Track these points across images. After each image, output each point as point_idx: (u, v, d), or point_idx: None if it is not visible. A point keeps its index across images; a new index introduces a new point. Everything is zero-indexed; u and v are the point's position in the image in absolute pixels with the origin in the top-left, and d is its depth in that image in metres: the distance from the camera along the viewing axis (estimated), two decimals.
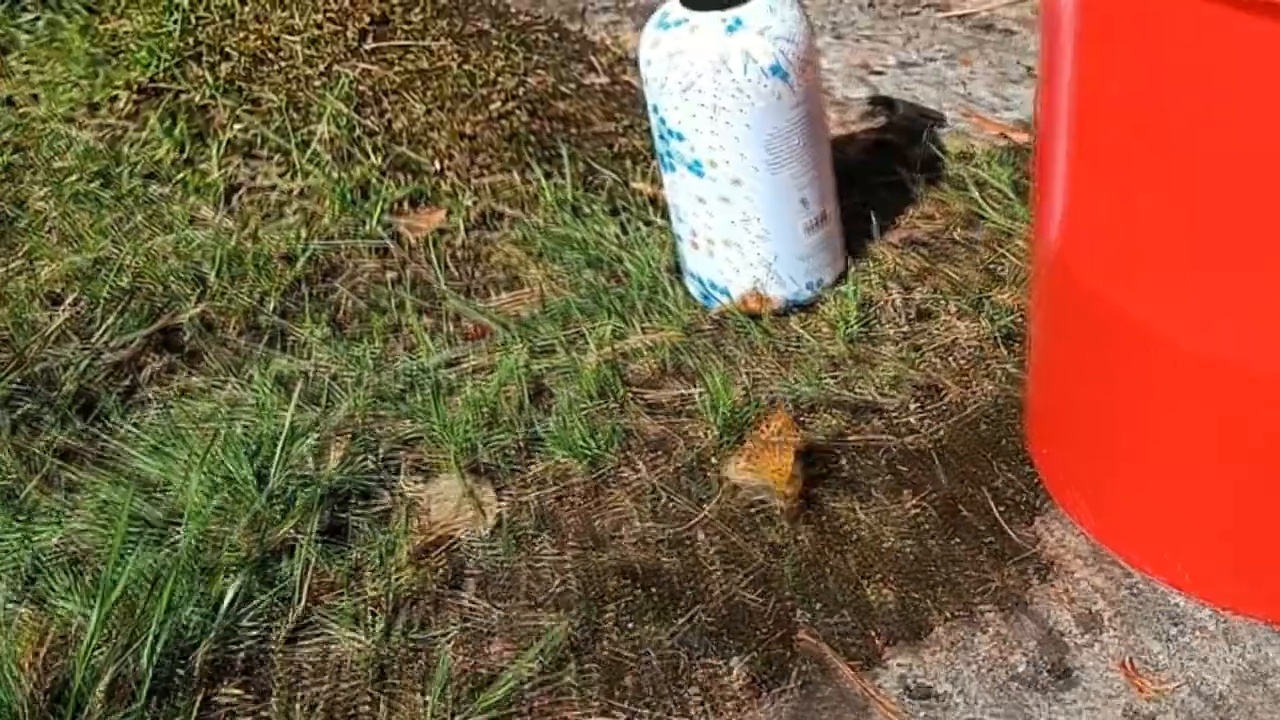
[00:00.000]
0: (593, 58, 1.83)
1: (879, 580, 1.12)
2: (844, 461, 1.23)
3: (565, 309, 1.42)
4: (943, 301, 1.39)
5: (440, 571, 1.17)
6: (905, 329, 1.36)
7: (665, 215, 1.47)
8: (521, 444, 1.28)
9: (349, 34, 1.90)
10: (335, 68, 1.83)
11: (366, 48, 1.88)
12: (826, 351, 1.34)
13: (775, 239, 1.36)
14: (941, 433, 1.24)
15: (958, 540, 1.15)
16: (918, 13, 1.86)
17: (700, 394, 1.30)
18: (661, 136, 1.35)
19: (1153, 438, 1.05)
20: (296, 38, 1.89)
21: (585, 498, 1.23)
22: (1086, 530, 1.14)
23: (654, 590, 1.13)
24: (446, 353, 1.40)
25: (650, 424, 1.29)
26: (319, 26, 1.92)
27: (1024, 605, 1.09)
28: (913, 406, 1.27)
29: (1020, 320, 1.34)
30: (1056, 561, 1.12)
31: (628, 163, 1.63)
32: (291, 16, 1.93)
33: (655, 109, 1.33)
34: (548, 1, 1.98)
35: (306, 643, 1.12)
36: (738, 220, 1.35)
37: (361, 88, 1.80)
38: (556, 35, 1.89)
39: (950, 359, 1.32)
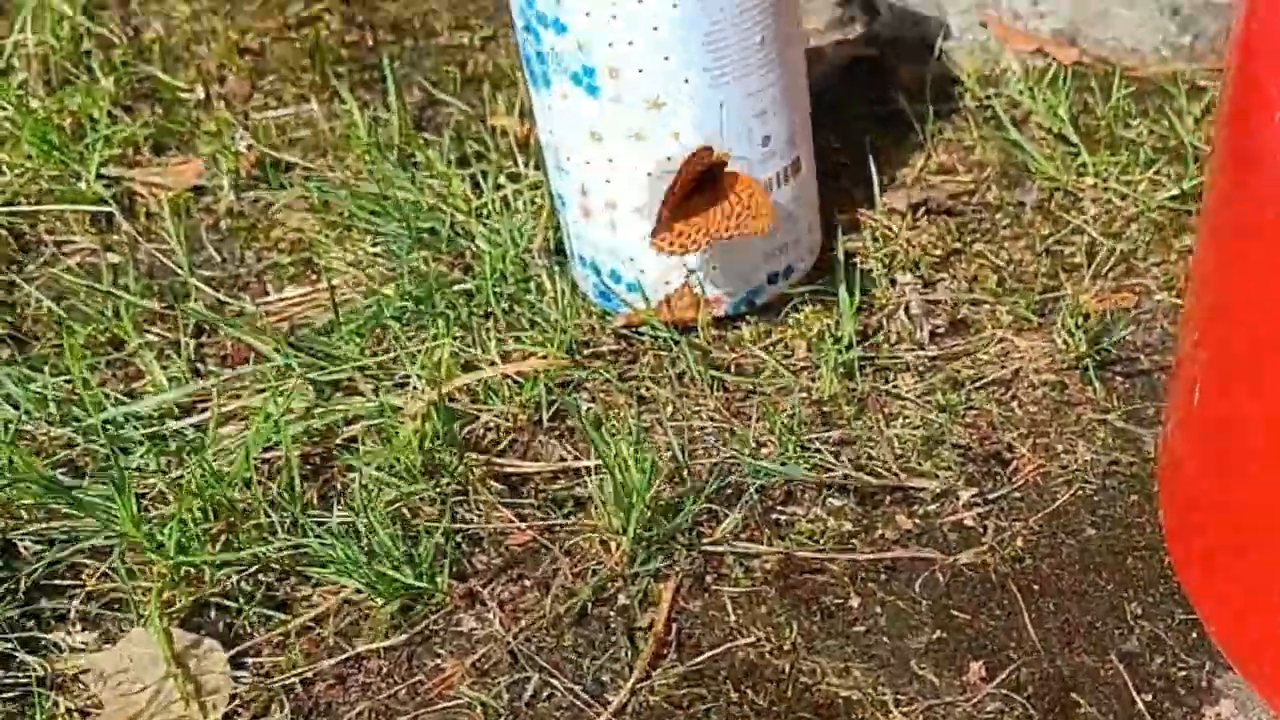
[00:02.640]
0: None
1: None
2: (854, 599, 0.68)
3: (376, 317, 0.85)
4: (987, 304, 0.84)
5: None
6: (933, 351, 0.81)
7: (540, 164, 0.91)
8: (284, 565, 0.71)
9: None
10: None
11: None
12: (807, 390, 0.79)
13: None
14: (1020, 541, 0.70)
15: None
16: None
17: (597, 469, 0.74)
18: (528, 28, 0.78)
19: None
20: None
21: (391, 675, 0.66)
22: None
23: None
24: (180, 390, 0.82)
25: (512, 527, 0.72)
26: None
27: None
28: (964, 493, 0.72)
29: (1125, 342, 0.80)
30: None
31: (486, 89, 1.06)
32: None
33: None
34: None
35: None
36: (659, 169, 0.79)
37: None
38: None
39: (1014, 403, 0.78)
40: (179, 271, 0.93)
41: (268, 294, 0.92)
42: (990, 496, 0.72)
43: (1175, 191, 0.91)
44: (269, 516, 0.72)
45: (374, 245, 0.93)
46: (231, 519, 0.72)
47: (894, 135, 0.99)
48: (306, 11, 1.15)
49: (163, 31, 1.14)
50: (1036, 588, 0.67)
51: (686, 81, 0.76)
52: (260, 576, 0.71)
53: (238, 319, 0.88)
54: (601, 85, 0.76)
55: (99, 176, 1.00)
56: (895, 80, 1.04)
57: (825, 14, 1.12)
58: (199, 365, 0.86)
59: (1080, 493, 0.72)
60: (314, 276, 0.92)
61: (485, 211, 0.92)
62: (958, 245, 0.88)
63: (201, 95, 1.07)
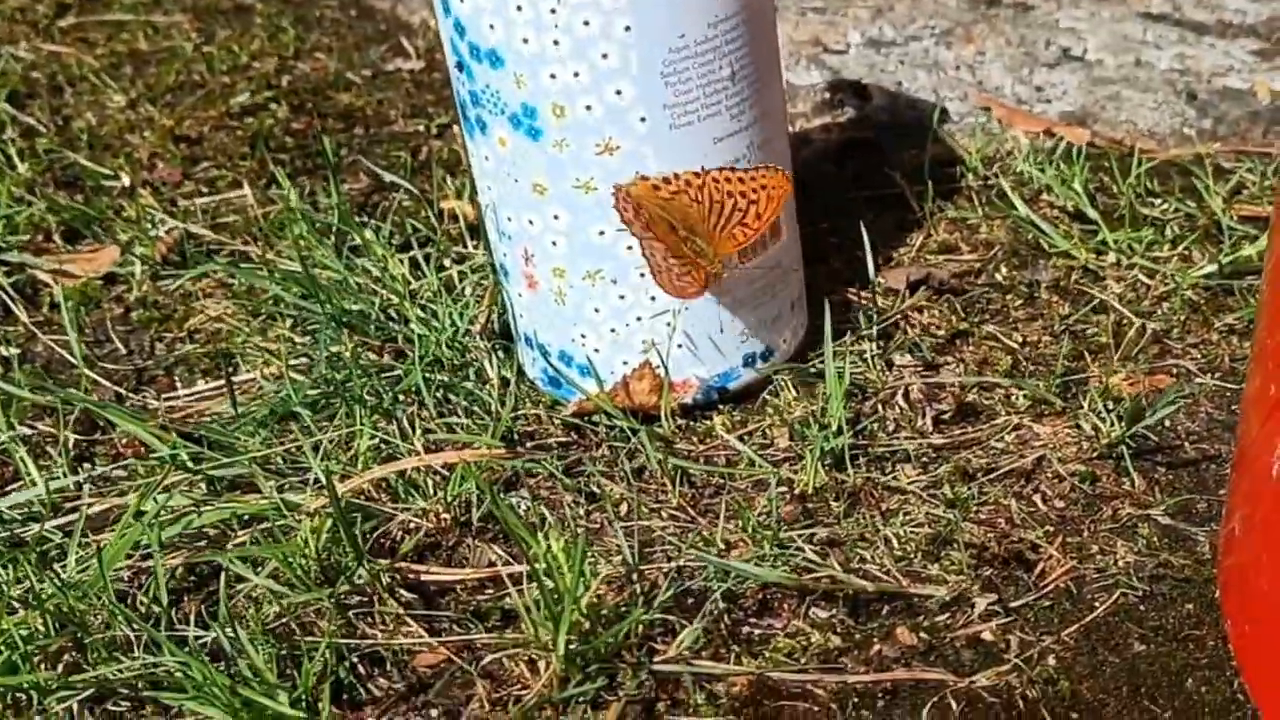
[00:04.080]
0: (404, 40, 1.15)
1: None
2: None
3: (283, 405, 0.71)
4: (1001, 388, 0.71)
5: None
6: (937, 439, 0.67)
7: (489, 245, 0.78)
8: (137, 692, 0.56)
9: (41, 9, 1.21)
10: (4, 49, 1.14)
11: (63, 25, 1.19)
12: (788, 483, 0.65)
13: None
14: (1051, 660, 0.55)
15: None
16: None
17: (525, 575, 0.59)
18: (460, 65, 0.66)
19: None
20: None
21: None
22: None
23: None
24: (37, 488, 0.68)
25: (422, 644, 0.58)
26: None
27: None
28: (980, 601, 0.58)
29: (1165, 428, 0.67)
30: None
31: (439, 174, 0.94)
32: None
33: (444, 6, 0.65)
34: None
35: None
36: (612, 228, 0.66)
37: (37, 74, 1.10)
38: (354, 13, 1.21)
39: (1036, 497, 0.64)
40: (77, 365, 0.80)
41: (175, 389, 0.79)
42: (1012, 605, 0.57)
43: (1210, 269, 0.78)
44: (126, 632, 0.57)
45: (300, 334, 0.80)
46: (79, 635, 0.57)
47: (891, 215, 0.86)
48: (252, 102, 1.05)
49: (94, 121, 1.04)
50: (1075, 716, 0.52)
51: (643, 120, 0.64)
52: (110, 706, 0.56)
53: (138, 414, 0.74)
54: (544, 127, 0.64)
55: None
56: (892, 162, 0.92)
57: (812, 98, 1.01)
58: (86, 465, 0.72)
59: (1123, 600, 0.57)
60: (231, 368, 0.79)
61: (425, 296, 0.79)
62: (964, 326, 0.75)
63: (126, 183, 0.96)
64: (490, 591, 0.60)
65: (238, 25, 1.18)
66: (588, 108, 0.63)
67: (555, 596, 0.54)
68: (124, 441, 0.74)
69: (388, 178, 0.92)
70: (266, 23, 1.18)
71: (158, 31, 1.16)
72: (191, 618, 0.60)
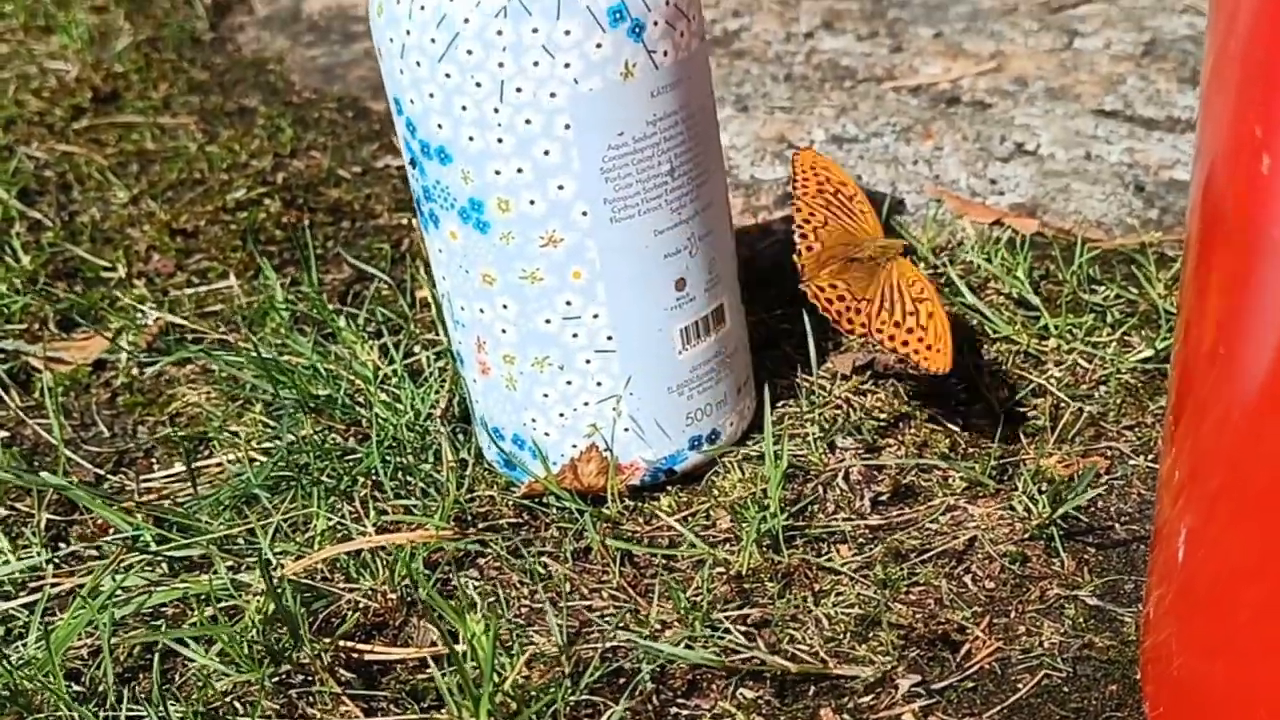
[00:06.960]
0: (395, 138, 1.15)
1: None
2: None
3: (245, 489, 0.70)
4: (938, 469, 0.68)
5: None
6: (874, 520, 0.65)
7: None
8: None
9: (58, 112, 1.21)
10: (20, 149, 1.14)
11: (78, 127, 1.19)
12: (726, 565, 0.63)
13: (629, 352, 0.66)
14: None
15: None
16: (853, 86, 1.21)
17: (445, 658, 0.57)
18: (413, 161, 0.65)
19: None
20: None
21: None
22: None
23: None
24: (22, 564, 0.67)
25: None
26: (19, 104, 1.23)
27: None
28: (904, 682, 0.55)
29: (1096, 510, 0.64)
30: None
31: (418, 266, 0.93)
32: None
33: (397, 106, 0.65)
34: (347, 79, 1.31)
35: None
36: (558, 317, 0.65)
37: (48, 172, 1.10)
38: (351, 114, 1.21)
39: (967, 578, 0.61)
40: (59, 449, 0.78)
41: (153, 470, 0.77)
42: (936, 686, 0.55)
43: (1148, 353, 0.76)
44: (69, 713, 0.55)
45: (271, 418, 0.78)
46: (24, 714, 0.55)
47: None
48: (247, 197, 1.04)
49: (98, 216, 1.03)
50: None
51: (584, 214, 0.62)
52: None
53: (113, 496, 0.73)
54: (491, 220, 0.63)
55: None
56: None
57: (775, 191, 1.00)
58: (61, 544, 0.71)
59: (1046, 681, 0.55)
60: (207, 451, 0.78)
61: (393, 380, 0.78)
62: (906, 409, 0.73)
63: (123, 274, 0.95)
64: (430, 671, 0.58)
65: (240, 126, 1.18)
66: (531, 202, 0.62)
67: (478, 680, 0.52)
68: (98, 522, 0.72)
69: (367, 269, 0.91)
70: (267, 123, 1.18)
71: (165, 132, 1.17)
72: (137, 695, 0.58)
